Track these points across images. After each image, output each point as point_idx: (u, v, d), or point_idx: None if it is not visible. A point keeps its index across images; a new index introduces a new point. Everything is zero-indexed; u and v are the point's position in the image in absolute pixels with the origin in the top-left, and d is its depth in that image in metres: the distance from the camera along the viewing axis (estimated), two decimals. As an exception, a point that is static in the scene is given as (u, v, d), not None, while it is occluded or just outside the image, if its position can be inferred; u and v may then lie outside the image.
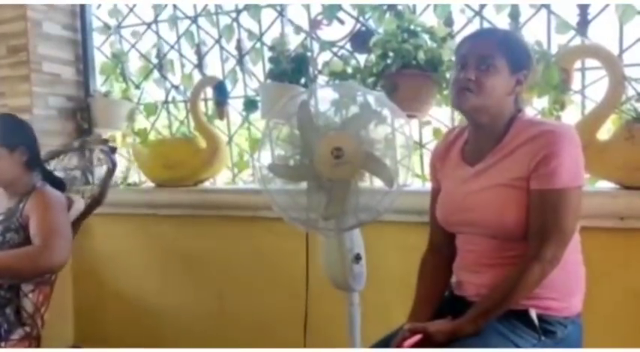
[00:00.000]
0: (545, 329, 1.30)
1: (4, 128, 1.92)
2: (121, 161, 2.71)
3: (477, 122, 1.38)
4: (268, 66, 2.39)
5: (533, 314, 1.28)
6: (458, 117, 2.18)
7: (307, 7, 2.38)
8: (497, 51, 1.32)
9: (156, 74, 2.77)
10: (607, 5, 1.89)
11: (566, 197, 1.27)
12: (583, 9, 1.93)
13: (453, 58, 2.03)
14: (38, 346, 1.85)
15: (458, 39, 2.11)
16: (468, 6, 2.11)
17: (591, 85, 1.96)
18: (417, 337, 1.26)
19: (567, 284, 1.34)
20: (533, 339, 1.28)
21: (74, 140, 2.38)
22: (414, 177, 2.20)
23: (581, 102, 1.98)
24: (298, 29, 2.42)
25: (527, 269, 1.25)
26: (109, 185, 2.06)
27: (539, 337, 1.28)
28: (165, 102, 2.77)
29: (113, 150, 2.10)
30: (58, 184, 2.01)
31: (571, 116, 1.93)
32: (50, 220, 1.79)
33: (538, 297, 1.29)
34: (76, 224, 1.99)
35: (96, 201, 2.04)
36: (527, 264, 1.26)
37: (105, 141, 2.14)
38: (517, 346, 1.27)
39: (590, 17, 1.92)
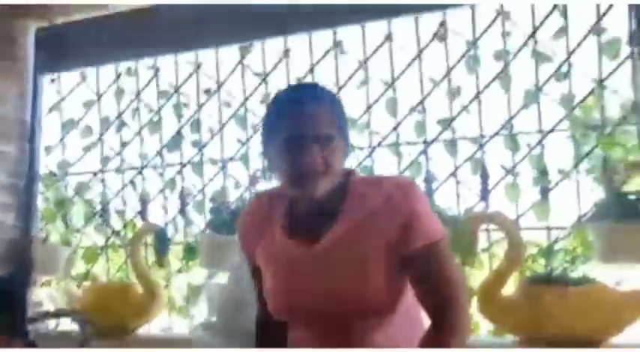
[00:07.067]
0: None
1: None
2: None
3: (313, 197, 1.21)
4: (209, 216, 2.55)
5: None
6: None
7: (247, 163, 2.60)
8: (334, 124, 1.21)
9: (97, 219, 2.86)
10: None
11: (445, 247, 1.23)
12: (484, 178, 2.24)
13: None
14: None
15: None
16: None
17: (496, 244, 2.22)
18: None
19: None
20: None
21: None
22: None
23: (488, 259, 2.22)
24: (238, 184, 2.63)
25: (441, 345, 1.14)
26: None
27: None
28: (105, 246, 2.83)
29: (87, 320, 2.26)
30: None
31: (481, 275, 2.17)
32: None
33: None
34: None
35: None
36: (437, 341, 1.15)
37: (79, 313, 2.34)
38: None
39: (489, 188, 2.22)
